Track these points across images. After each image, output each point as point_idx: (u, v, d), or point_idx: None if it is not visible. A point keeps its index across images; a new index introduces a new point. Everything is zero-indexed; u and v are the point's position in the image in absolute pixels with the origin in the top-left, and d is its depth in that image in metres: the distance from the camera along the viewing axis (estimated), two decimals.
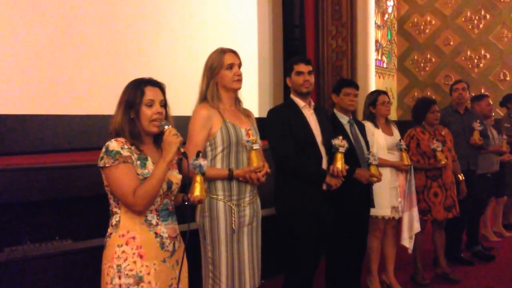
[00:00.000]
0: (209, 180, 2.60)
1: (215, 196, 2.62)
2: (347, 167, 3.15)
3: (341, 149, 3.12)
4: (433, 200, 4.22)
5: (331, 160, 3.17)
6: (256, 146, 2.62)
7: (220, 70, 2.68)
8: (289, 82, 3.31)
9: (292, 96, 3.30)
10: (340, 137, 3.15)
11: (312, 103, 3.31)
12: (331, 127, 3.43)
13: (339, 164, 3.11)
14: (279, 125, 3.15)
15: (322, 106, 3.60)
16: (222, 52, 2.72)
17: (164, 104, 2.12)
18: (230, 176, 2.61)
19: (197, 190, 2.16)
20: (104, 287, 2.03)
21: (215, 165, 2.65)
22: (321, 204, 3.20)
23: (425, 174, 4.22)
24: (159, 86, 2.13)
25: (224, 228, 2.61)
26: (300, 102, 3.25)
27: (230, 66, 2.69)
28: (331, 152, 3.18)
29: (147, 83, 2.09)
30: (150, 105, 2.06)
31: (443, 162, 4.11)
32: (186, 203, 2.12)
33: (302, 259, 3.13)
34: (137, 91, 2.06)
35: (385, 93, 4.13)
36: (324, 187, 3.19)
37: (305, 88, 3.21)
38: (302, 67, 3.23)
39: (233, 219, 2.62)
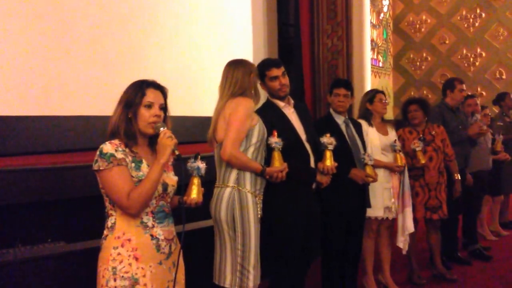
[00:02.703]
0: (241, 169, 2.76)
1: (243, 188, 2.77)
2: (336, 164, 3.14)
3: (330, 147, 3.13)
4: (413, 199, 4.16)
5: (319, 158, 3.15)
6: (280, 148, 2.84)
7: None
8: (264, 87, 3.19)
9: (270, 98, 3.20)
10: (328, 135, 3.15)
11: (292, 101, 3.22)
12: (312, 123, 3.36)
13: (329, 161, 3.13)
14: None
15: (301, 103, 3.56)
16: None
17: (164, 108, 2.11)
18: (262, 172, 2.79)
19: (194, 193, 2.15)
20: None
21: None
22: (310, 203, 3.15)
23: (408, 174, 4.18)
24: (161, 89, 2.13)
25: (253, 219, 2.75)
26: (279, 103, 3.15)
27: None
28: (320, 149, 3.16)
29: (149, 85, 2.09)
30: (149, 106, 2.05)
31: (422, 162, 4.07)
32: (184, 205, 2.10)
33: (291, 259, 3.06)
34: (138, 91, 2.06)
35: (383, 93, 4.11)
36: (313, 185, 3.16)
37: (283, 92, 3.12)
38: (275, 72, 3.11)
39: (258, 210, 2.80)
